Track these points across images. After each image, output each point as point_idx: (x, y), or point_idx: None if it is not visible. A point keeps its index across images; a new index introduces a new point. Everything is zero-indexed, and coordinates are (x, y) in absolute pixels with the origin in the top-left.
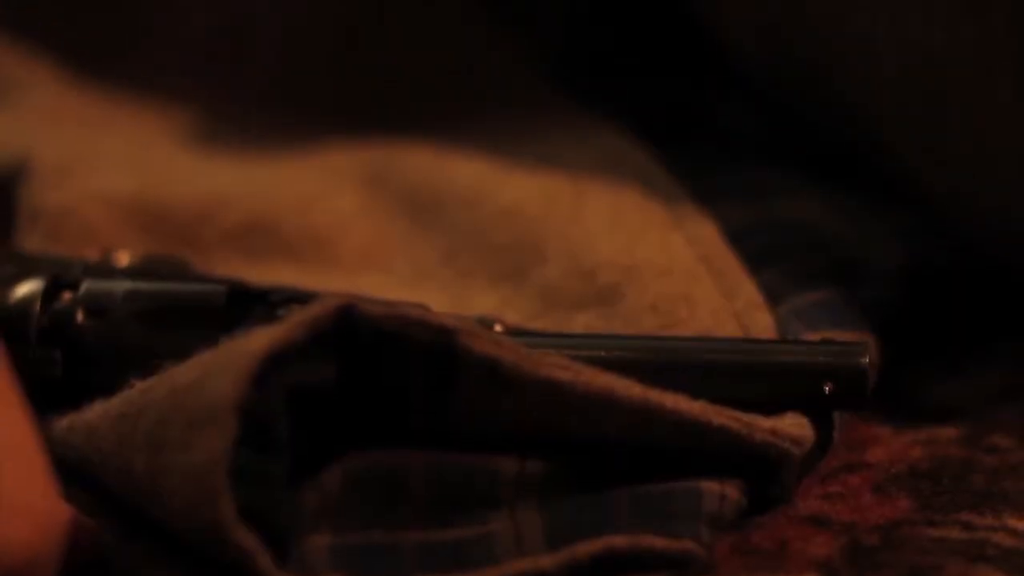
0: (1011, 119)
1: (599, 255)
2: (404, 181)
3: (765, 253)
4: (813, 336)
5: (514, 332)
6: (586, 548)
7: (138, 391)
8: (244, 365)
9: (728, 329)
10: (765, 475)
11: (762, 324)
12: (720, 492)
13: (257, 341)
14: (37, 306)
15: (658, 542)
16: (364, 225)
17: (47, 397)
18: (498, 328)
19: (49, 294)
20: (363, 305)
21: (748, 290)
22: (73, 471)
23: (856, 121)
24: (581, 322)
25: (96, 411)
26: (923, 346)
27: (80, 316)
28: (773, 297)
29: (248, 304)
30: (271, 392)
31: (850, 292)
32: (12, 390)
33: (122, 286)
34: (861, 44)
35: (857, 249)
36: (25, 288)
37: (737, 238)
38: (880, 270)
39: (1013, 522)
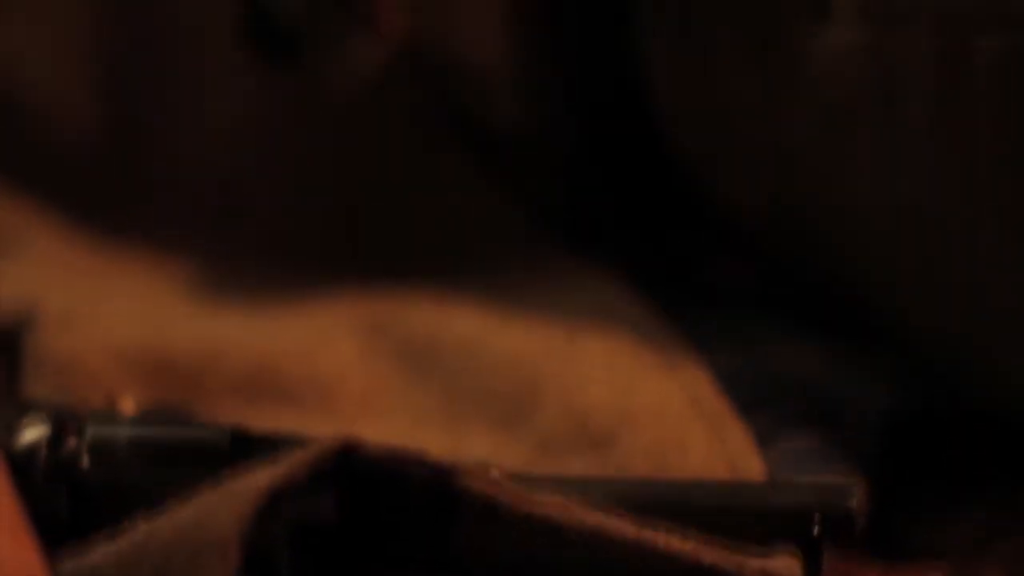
0: (993, 264)
1: (593, 400)
2: (403, 330)
3: (756, 399)
4: (803, 479)
5: (511, 476)
6: None
7: (142, 528)
8: (247, 500)
9: (719, 473)
10: None
11: (753, 468)
12: None
13: (259, 478)
14: (43, 451)
15: None
16: (363, 373)
17: (52, 539)
18: (495, 472)
19: (55, 440)
20: (363, 446)
21: (739, 435)
22: None
23: (847, 273)
24: (576, 466)
25: (100, 549)
26: (913, 489)
27: (85, 461)
28: (764, 441)
29: (251, 450)
30: (273, 527)
31: (840, 437)
32: (19, 519)
33: (126, 432)
34: (852, 203)
35: (847, 395)
36: (31, 434)
37: (728, 384)
38: (870, 415)
39: None
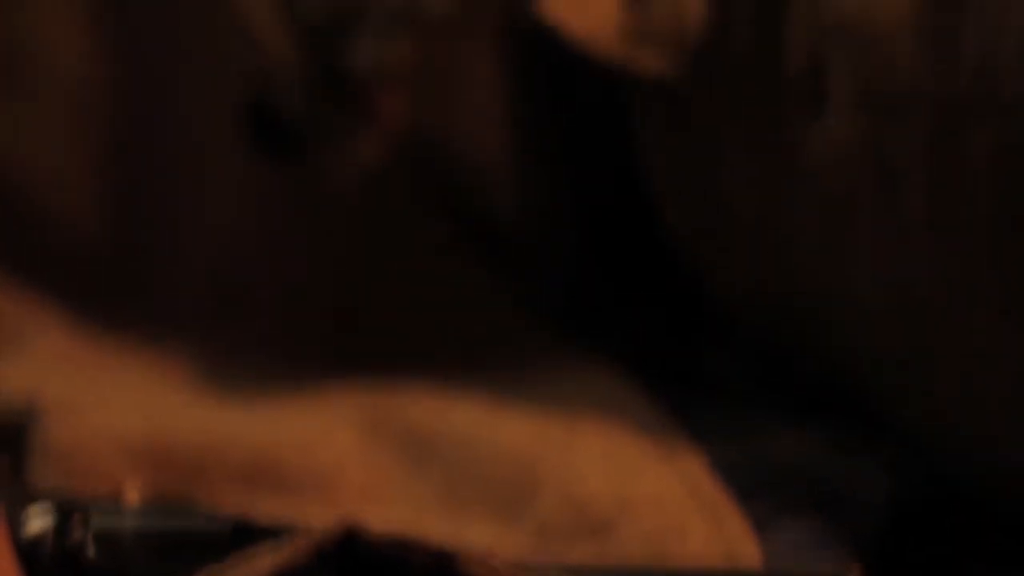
0: (991, 352)
1: (592, 489)
2: (403, 422)
3: (755, 486)
4: (799, 567)
5: (512, 566)
6: None
7: None
8: None
9: (717, 561)
10: None
11: (750, 556)
12: None
13: (263, 562)
14: (50, 541)
15: None
16: (363, 463)
17: None
18: (496, 561)
19: (61, 529)
20: (365, 532)
21: (737, 523)
22: None
23: (843, 360)
24: (575, 554)
25: None
26: (913, 575)
27: (91, 551)
28: (762, 529)
29: (253, 542)
30: None
31: (839, 524)
32: None
33: (131, 521)
34: (850, 292)
35: (844, 482)
36: (37, 523)
37: (727, 472)
38: (869, 502)
39: None
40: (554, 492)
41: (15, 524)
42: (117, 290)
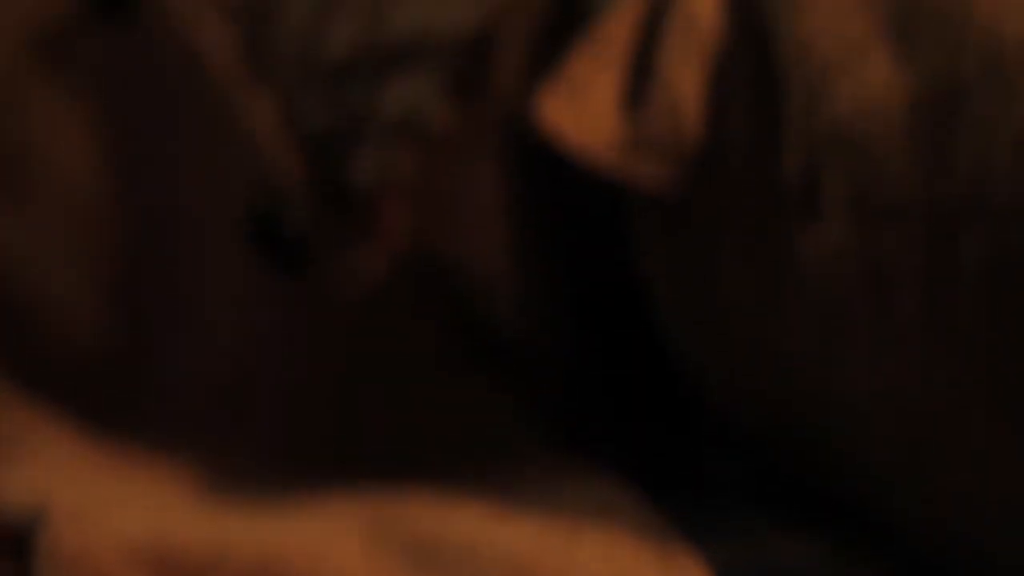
0: (986, 454)
1: None
2: (406, 527)
3: None
4: None
5: None
6: None
7: None
8: None
9: None
10: None
11: None
12: None
13: None
14: None
15: None
16: (367, 569)
17: None
18: None
19: None
20: None
21: None
22: None
23: (843, 467)
24: None
25: None
26: None
27: None
28: None
29: None
30: None
31: None
32: None
33: None
34: (841, 394)
35: None
36: None
37: None
38: None
39: None
40: None
41: None
42: (121, 397)
